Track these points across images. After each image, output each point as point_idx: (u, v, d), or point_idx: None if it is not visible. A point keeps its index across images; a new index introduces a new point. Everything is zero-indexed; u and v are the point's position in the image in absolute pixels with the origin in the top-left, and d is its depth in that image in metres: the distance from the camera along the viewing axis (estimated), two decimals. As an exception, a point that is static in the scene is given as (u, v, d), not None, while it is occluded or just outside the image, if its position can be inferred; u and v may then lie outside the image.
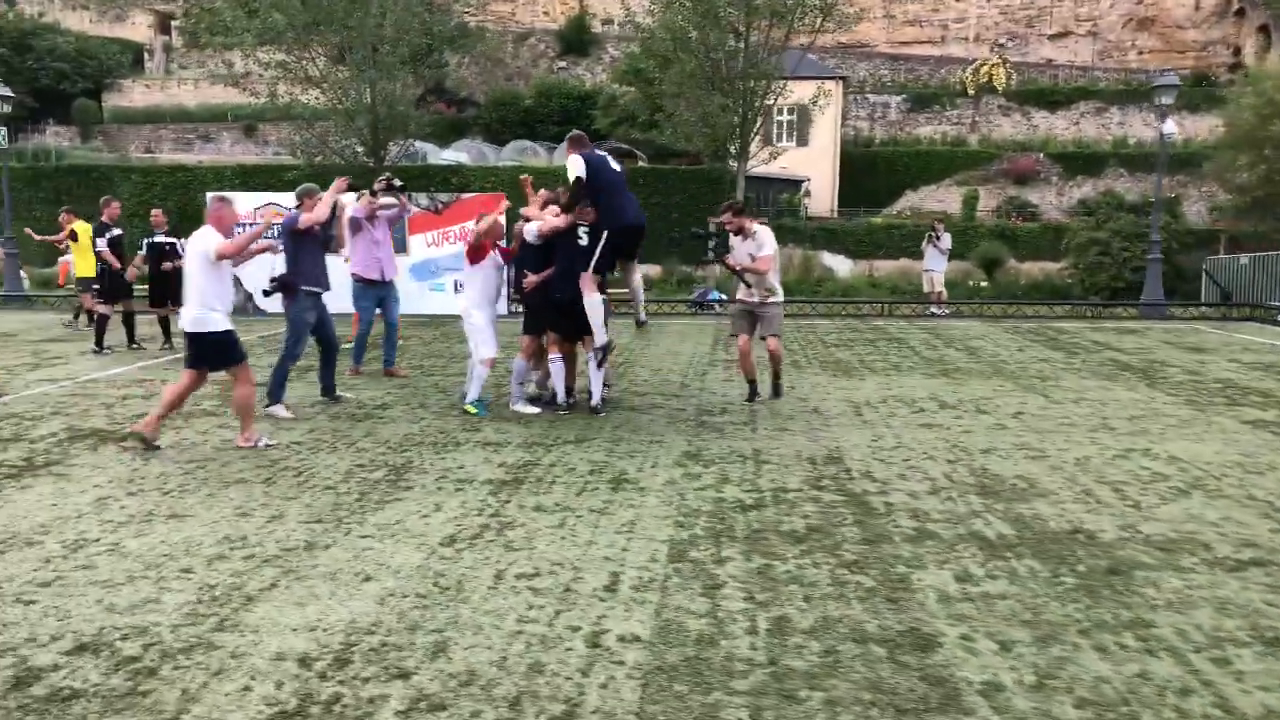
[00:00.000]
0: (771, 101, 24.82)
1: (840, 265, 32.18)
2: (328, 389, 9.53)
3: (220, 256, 7.28)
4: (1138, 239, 31.65)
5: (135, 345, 13.65)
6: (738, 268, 9.00)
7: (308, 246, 8.86)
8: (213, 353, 7.41)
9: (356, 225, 10.56)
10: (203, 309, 7.28)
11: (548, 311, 8.66)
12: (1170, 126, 19.97)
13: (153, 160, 43.09)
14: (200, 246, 7.32)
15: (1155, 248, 19.09)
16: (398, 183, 11.27)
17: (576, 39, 50.77)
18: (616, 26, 55.34)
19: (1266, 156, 35.12)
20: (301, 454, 7.32)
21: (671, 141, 46.90)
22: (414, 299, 17.72)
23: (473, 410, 8.77)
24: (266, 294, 9.09)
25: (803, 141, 42.59)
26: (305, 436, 7.92)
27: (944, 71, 53.63)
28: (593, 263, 8.30)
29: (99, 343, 13.12)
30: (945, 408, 9.06)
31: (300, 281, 8.82)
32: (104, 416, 8.72)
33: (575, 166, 8.24)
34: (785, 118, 41.99)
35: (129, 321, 13.82)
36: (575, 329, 8.61)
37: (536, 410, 8.83)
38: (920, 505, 5.90)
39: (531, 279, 8.67)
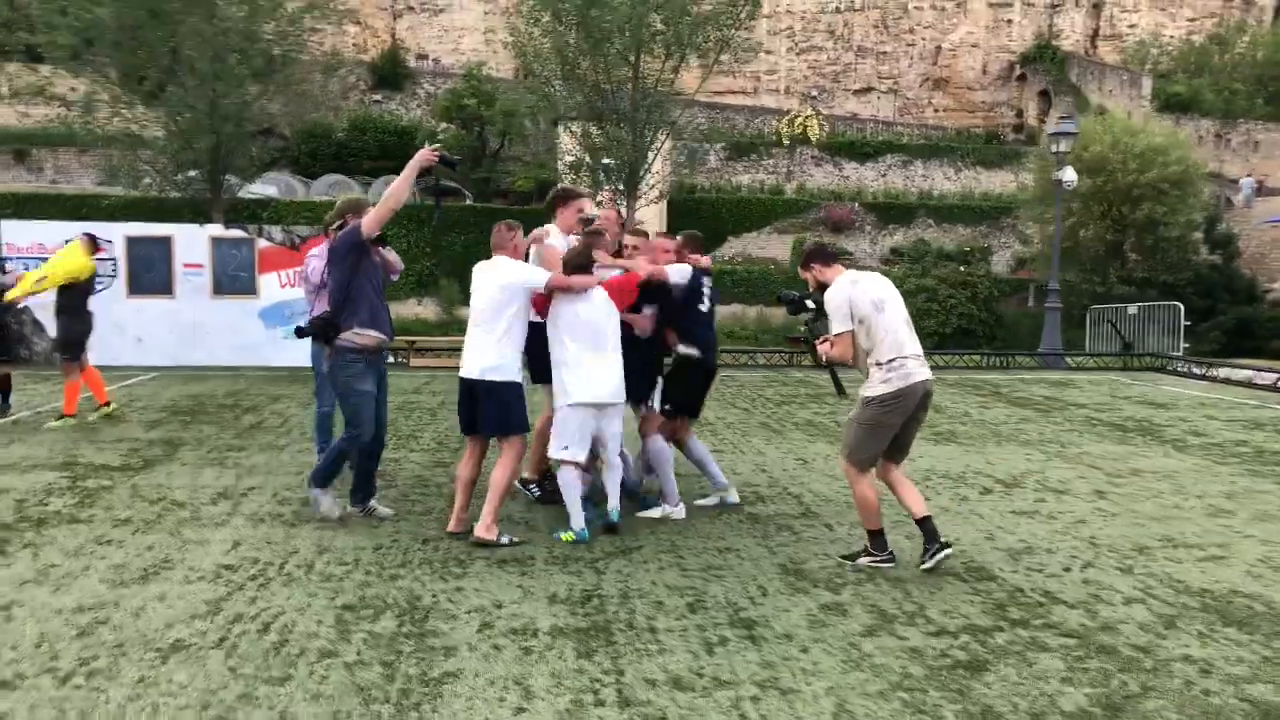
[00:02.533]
0: (664, 136, 23.44)
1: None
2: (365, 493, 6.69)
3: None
4: (961, 286, 32.20)
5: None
6: (822, 359, 5.66)
7: (366, 271, 6.20)
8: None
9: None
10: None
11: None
12: (1070, 175, 19.91)
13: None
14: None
15: (1054, 296, 18.87)
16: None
17: (391, 73, 48.22)
18: (431, 62, 53.10)
19: (1073, 210, 36.99)
20: (247, 588, 5.08)
21: (499, 177, 44.79)
22: (264, 349, 15.10)
23: (569, 538, 6.05)
24: (301, 334, 6.35)
25: (631, 188, 41.65)
26: (235, 557, 5.64)
27: (758, 121, 54.24)
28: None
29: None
30: (1007, 485, 7.70)
31: (352, 323, 6.10)
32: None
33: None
34: (612, 160, 41.00)
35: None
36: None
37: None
38: (1193, 651, 4.39)
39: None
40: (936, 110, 60.01)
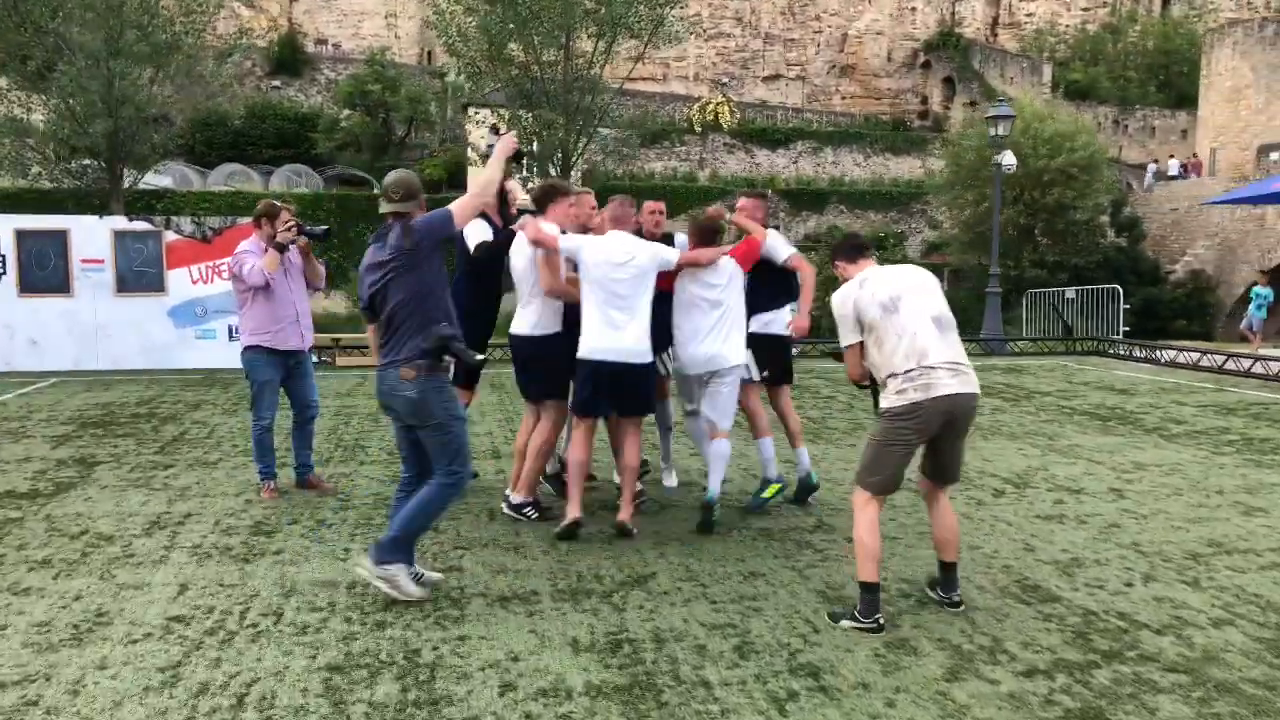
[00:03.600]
0: (597, 121, 22.62)
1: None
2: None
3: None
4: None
5: None
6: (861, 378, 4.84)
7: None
8: None
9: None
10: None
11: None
12: (1010, 158, 19.76)
13: None
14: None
15: (994, 281, 18.70)
16: (318, 229, 7.17)
17: (289, 58, 46.28)
18: (331, 47, 51.26)
19: (989, 195, 37.43)
20: (206, 646, 4.25)
21: (406, 166, 43.49)
22: (175, 351, 13.94)
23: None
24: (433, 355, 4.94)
25: (543, 174, 40.83)
26: (184, 604, 4.78)
27: (669, 108, 53.74)
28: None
29: None
30: (1017, 486, 7.23)
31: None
32: None
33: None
34: (481, 153, 40.28)
35: None
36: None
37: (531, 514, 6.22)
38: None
39: None
40: (844, 97, 60.38)
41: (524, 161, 6.87)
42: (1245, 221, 36.76)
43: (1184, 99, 53.51)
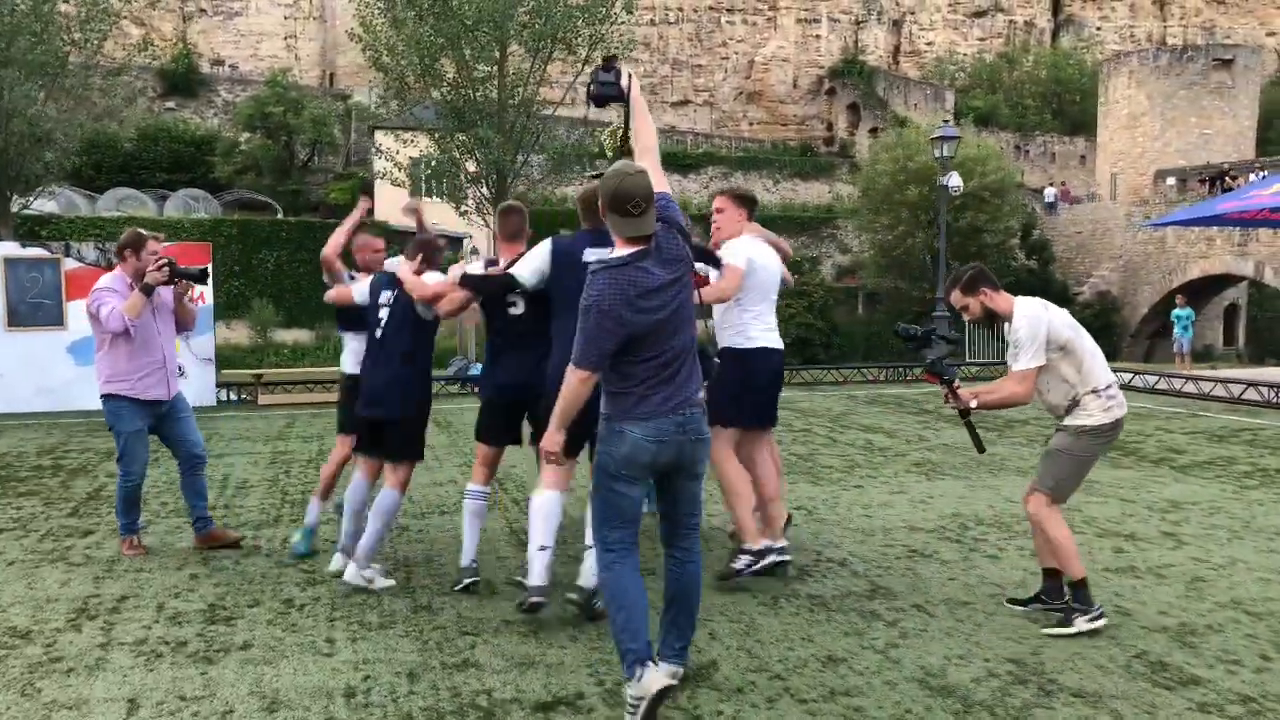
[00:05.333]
0: (536, 139, 21.65)
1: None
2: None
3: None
4: (798, 295, 32.11)
5: None
6: (967, 405, 4.76)
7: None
8: None
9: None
10: None
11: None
12: (956, 180, 19.52)
13: None
14: None
15: (941, 304, 18.33)
16: (193, 269, 6.33)
17: (183, 79, 44.30)
18: (228, 68, 49.36)
19: (903, 218, 37.68)
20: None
21: (309, 190, 41.87)
22: (76, 391, 12.55)
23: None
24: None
25: (454, 198, 39.73)
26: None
27: (580, 132, 53.09)
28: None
29: None
30: (1087, 533, 6.59)
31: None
32: None
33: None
34: (424, 173, 39.15)
35: None
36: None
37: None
38: None
39: None
40: (751, 123, 60.61)
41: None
42: (1147, 244, 37.74)
43: (1078, 126, 55.21)
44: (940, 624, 4.84)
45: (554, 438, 3.77)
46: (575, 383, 3.60)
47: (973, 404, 4.75)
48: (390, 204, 38.69)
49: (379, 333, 5.44)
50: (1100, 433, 4.72)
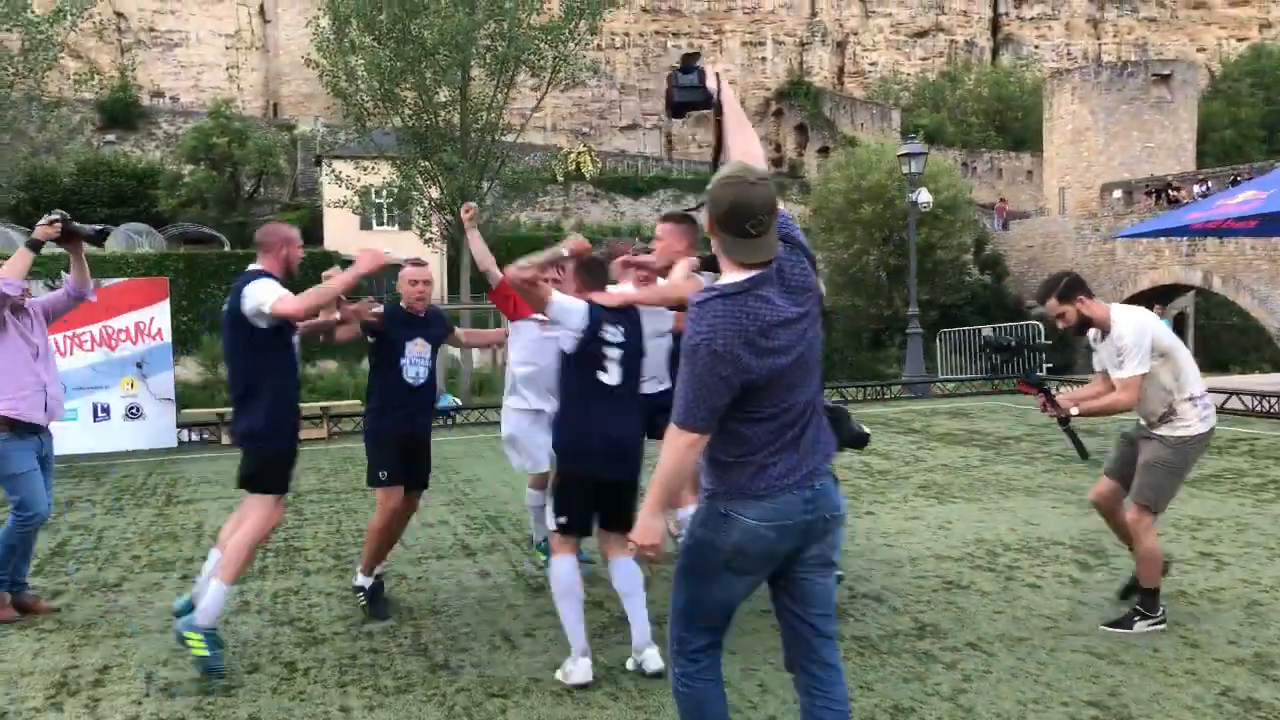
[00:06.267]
0: (500, 164, 21.25)
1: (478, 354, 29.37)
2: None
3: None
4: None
5: None
6: (1068, 413, 4.76)
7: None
8: None
9: None
10: None
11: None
12: (925, 196, 19.44)
13: None
14: None
15: (915, 322, 18.19)
16: (89, 228, 5.62)
17: (123, 111, 43.34)
18: (169, 100, 48.42)
19: (856, 236, 37.83)
20: None
21: (255, 221, 41.17)
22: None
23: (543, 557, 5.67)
24: None
25: (406, 225, 39.17)
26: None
27: (529, 158, 52.85)
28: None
29: None
30: (1109, 560, 6.33)
31: None
32: None
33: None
34: (384, 200, 38.57)
35: None
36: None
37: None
38: None
39: None
40: (700, 145, 60.62)
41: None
42: (1097, 256, 38.23)
43: (1021, 141, 56.10)
44: (1002, 664, 4.53)
45: (653, 526, 2.92)
46: (683, 447, 2.77)
47: (1074, 411, 4.78)
48: (338, 232, 38.07)
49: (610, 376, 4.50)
50: (1198, 442, 4.80)
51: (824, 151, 55.53)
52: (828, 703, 2.97)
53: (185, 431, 13.02)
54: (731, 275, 2.81)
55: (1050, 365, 20.23)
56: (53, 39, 20.98)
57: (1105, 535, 6.73)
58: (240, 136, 39.39)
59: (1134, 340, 4.60)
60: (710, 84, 3.30)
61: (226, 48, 52.26)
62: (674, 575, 3.03)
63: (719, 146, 3.27)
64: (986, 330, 19.73)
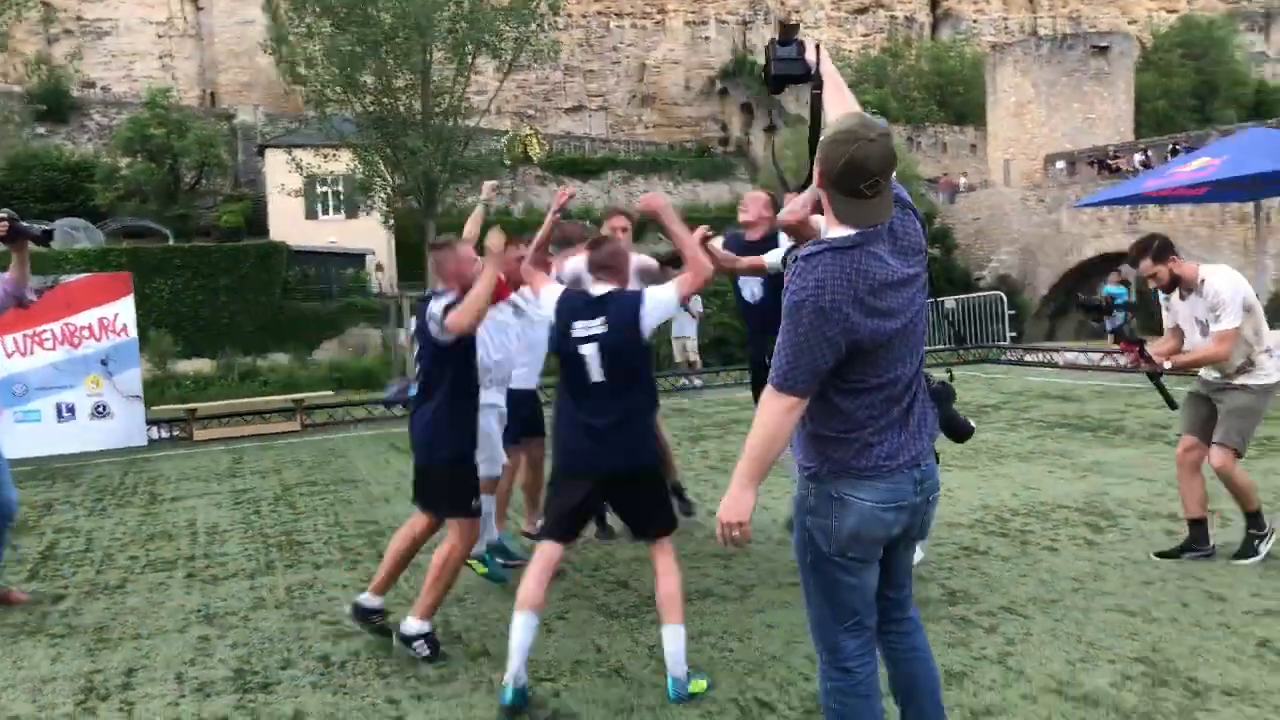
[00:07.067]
0: (463, 148, 20.94)
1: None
2: None
3: None
4: (713, 295, 32.32)
5: None
6: (1162, 367, 5.16)
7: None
8: None
9: None
10: None
11: None
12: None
13: None
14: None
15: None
16: (36, 228, 5.57)
17: (53, 103, 42.07)
18: (101, 90, 47.14)
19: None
20: None
21: (198, 214, 40.46)
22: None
23: (481, 569, 5.36)
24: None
25: (352, 213, 38.57)
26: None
27: (473, 142, 52.33)
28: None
29: None
30: (1121, 521, 6.43)
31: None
32: None
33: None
34: (330, 188, 37.96)
35: None
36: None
37: None
38: None
39: None
40: (647, 126, 60.61)
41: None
42: (1043, 227, 38.82)
43: (963, 115, 56.71)
44: (1040, 625, 4.60)
45: (741, 500, 2.67)
46: (780, 411, 2.57)
47: (1166, 365, 5.16)
48: (284, 222, 37.30)
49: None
50: (1277, 389, 5.24)
51: (770, 130, 55.62)
52: (912, 652, 2.94)
53: (154, 429, 12.72)
54: (839, 229, 2.64)
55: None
56: None
57: (1107, 498, 6.89)
58: (179, 127, 38.48)
59: (1230, 294, 4.98)
60: (809, 56, 3.18)
61: (158, 36, 50.99)
62: (801, 582, 2.87)
63: (816, 123, 3.11)
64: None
